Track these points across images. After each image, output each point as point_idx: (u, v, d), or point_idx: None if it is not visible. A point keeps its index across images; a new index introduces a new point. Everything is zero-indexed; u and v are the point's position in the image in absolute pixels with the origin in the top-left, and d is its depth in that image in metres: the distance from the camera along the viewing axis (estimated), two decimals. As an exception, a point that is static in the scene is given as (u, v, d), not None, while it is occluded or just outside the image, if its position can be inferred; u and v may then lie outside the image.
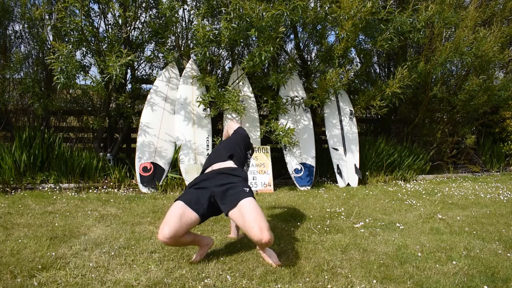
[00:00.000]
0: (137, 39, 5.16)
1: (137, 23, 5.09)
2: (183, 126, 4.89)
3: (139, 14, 4.98)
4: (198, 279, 2.14)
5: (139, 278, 2.14)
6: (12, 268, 2.21)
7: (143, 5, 5.03)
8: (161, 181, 4.74)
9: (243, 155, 2.77)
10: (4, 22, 5.02)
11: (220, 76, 5.69)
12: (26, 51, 5.20)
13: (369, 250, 2.67)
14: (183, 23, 5.33)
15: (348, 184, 5.40)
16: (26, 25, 5.06)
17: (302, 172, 5.22)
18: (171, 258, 2.42)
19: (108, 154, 5.07)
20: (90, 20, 4.84)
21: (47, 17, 4.98)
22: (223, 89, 4.95)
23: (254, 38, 5.28)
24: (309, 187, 5.17)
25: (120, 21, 4.87)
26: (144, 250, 2.55)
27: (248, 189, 2.40)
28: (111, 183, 4.73)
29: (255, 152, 5.04)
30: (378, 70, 6.93)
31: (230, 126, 3.09)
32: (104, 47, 4.82)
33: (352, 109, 5.74)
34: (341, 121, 5.64)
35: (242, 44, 5.70)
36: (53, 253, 2.45)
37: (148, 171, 4.71)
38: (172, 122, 4.93)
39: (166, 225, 2.21)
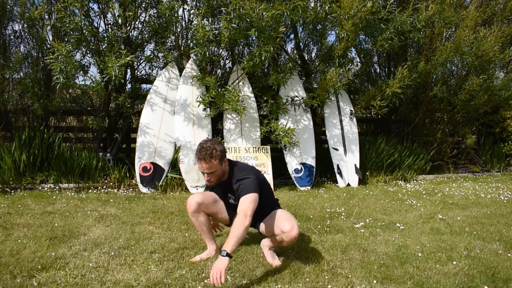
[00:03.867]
0: (137, 39, 5.15)
1: (137, 22, 5.09)
2: (183, 127, 4.88)
3: (138, 14, 4.97)
4: (198, 279, 2.13)
5: (139, 278, 2.13)
6: (11, 268, 2.20)
7: (143, 5, 5.02)
8: (161, 181, 4.73)
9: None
10: (4, 21, 5.02)
11: (220, 76, 5.68)
12: (26, 51, 5.20)
13: (369, 250, 2.67)
14: (183, 23, 5.32)
15: (348, 184, 5.40)
16: (25, 25, 5.05)
17: (302, 172, 5.21)
18: (171, 259, 2.42)
19: (107, 154, 5.06)
20: (90, 20, 4.83)
21: (46, 17, 4.97)
22: (223, 89, 4.94)
23: (254, 38, 5.27)
24: (309, 187, 5.17)
25: (120, 21, 4.86)
26: (144, 250, 2.55)
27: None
28: (111, 183, 4.72)
29: (255, 152, 5.04)
30: (378, 70, 6.92)
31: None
32: (103, 47, 4.82)
33: (352, 109, 5.74)
34: (341, 121, 5.63)
35: (242, 44, 5.69)
36: (53, 253, 2.44)
37: (148, 171, 4.71)
38: (172, 123, 4.93)
39: (201, 194, 2.45)
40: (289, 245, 2.41)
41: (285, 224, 2.27)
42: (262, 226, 2.47)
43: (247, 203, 2.15)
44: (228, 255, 1.96)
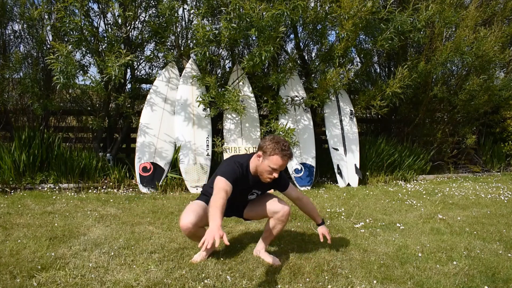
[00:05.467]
0: (137, 38, 5.15)
1: (137, 22, 5.08)
2: (183, 127, 4.88)
3: (138, 14, 4.97)
4: (198, 280, 2.13)
5: (139, 278, 2.13)
6: (11, 268, 2.20)
7: (143, 5, 5.02)
8: (161, 181, 4.73)
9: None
10: (4, 21, 5.01)
11: (220, 76, 5.68)
12: (26, 51, 5.19)
13: (369, 251, 2.66)
14: (183, 22, 5.32)
15: (349, 184, 5.39)
16: (25, 25, 5.04)
17: (302, 172, 5.21)
18: (171, 259, 2.42)
19: (107, 154, 5.05)
20: (90, 19, 4.82)
21: (46, 16, 4.96)
22: (223, 89, 4.94)
23: (254, 38, 5.27)
24: (309, 187, 5.16)
25: (119, 21, 4.85)
26: (143, 250, 2.55)
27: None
28: (111, 183, 4.72)
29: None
30: (378, 70, 6.91)
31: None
32: (103, 47, 4.81)
33: (352, 109, 5.73)
34: (341, 121, 5.63)
35: (242, 44, 5.69)
36: (53, 254, 2.44)
37: (148, 171, 4.70)
38: (172, 123, 4.92)
39: (191, 212, 2.27)
40: (283, 227, 2.41)
41: (275, 205, 2.35)
42: (248, 212, 2.49)
43: (295, 188, 2.56)
44: (324, 221, 2.60)
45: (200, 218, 2.26)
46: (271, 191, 2.55)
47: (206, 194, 2.41)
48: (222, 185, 2.12)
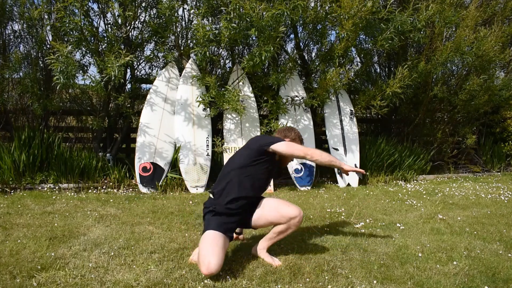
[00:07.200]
0: (137, 38, 5.15)
1: (137, 22, 5.08)
2: (183, 127, 4.88)
3: (138, 14, 4.97)
4: (198, 280, 2.12)
5: (139, 278, 2.13)
6: (11, 268, 2.20)
7: (143, 5, 5.02)
8: (161, 181, 4.73)
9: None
10: (3, 21, 5.01)
11: (220, 76, 5.68)
12: (25, 51, 5.19)
13: (369, 251, 2.66)
14: (183, 22, 5.32)
15: (349, 184, 5.39)
16: (25, 25, 5.04)
17: (302, 172, 5.21)
18: (171, 259, 2.41)
19: (107, 154, 5.05)
20: (90, 19, 4.82)
21: (46, 16, 4.96)
22: (223, 89, 4.94)
23: (254, 38, 5.27)
24: (309, 187, 5.16)
25: (119, 21, 4.85)
26: (143, 250, 2.54)
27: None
28: (111, 183, 4.72)
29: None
30: (378, 70, 6.91)
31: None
32: (103, 47, 4.81)
33: (352, 109, 5.73)
34: (341, 121, 5.63)
35: (242, 43, 5.69)
36: (53, 254, 2.44)
37: (148, 171, 4.70)
38: (172, 122, 4.92)
39: (214, 257, 2.10)
40: (294, 230, 2.40)
41: (289, 210, 2.34)
42: (258, 220, 2.41)
43: None
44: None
45: (222, 258, 2.16)
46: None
47: (219, 213, 2.32)
48: (296, 144, 2.50)
